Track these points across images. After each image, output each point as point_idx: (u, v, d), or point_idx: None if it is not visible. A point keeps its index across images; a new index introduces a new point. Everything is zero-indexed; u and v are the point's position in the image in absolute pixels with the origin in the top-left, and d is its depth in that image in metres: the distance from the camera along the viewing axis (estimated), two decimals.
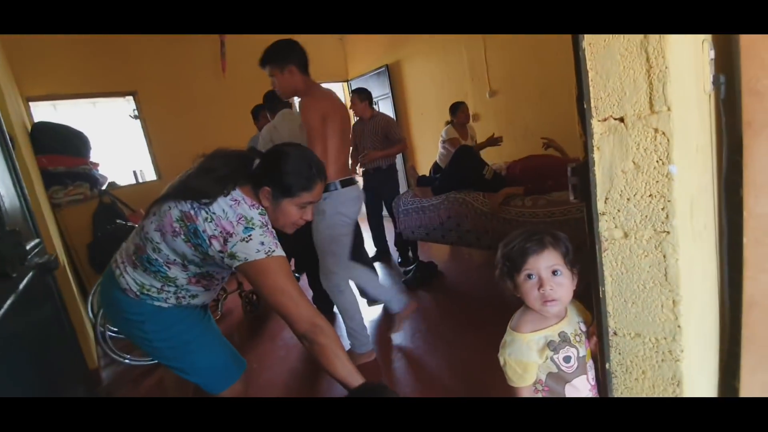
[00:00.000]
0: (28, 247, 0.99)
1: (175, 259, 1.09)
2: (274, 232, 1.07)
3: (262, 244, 1.00)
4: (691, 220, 0.66)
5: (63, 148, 3.07)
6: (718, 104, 0.87)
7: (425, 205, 3.04)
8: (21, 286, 0.88)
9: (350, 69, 5.86)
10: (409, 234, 3.28)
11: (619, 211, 0.64)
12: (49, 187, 3.01)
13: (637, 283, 0.65)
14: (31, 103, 3.62)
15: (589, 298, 1.09)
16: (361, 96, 3.49)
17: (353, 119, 3.47)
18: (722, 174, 0.88)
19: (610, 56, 0.60)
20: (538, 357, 0.90)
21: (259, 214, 1.05)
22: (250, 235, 1.00)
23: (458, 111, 3.64)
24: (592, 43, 0.61)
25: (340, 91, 5.93)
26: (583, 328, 0.94)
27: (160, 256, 1.08)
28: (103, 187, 3.34)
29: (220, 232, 0.99)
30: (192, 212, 1.01)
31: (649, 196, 0.61)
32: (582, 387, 0.92)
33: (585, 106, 0.63)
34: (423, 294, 2.89)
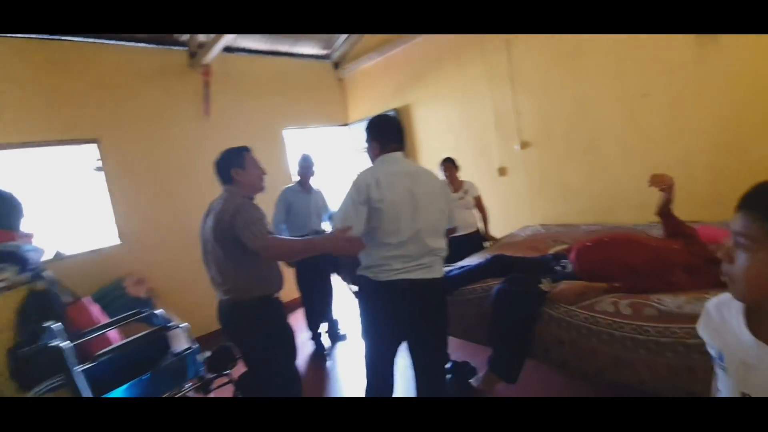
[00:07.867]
0: None
1: None
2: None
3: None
4: None
5: None
6: None
7: (464, 298, 2.34)
8: None
9: (351, 111, 5.29)
10: None
11: None
12: None
13: None
14: None
15: None
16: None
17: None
18: None
19: None
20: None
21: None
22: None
23: (443, 166, 3.28)
24: None
25: (342, 135, 5.34)
26: None
27: None
28: (39, 268, 2.54)
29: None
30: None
31: None
32: None
33: None
34: None
